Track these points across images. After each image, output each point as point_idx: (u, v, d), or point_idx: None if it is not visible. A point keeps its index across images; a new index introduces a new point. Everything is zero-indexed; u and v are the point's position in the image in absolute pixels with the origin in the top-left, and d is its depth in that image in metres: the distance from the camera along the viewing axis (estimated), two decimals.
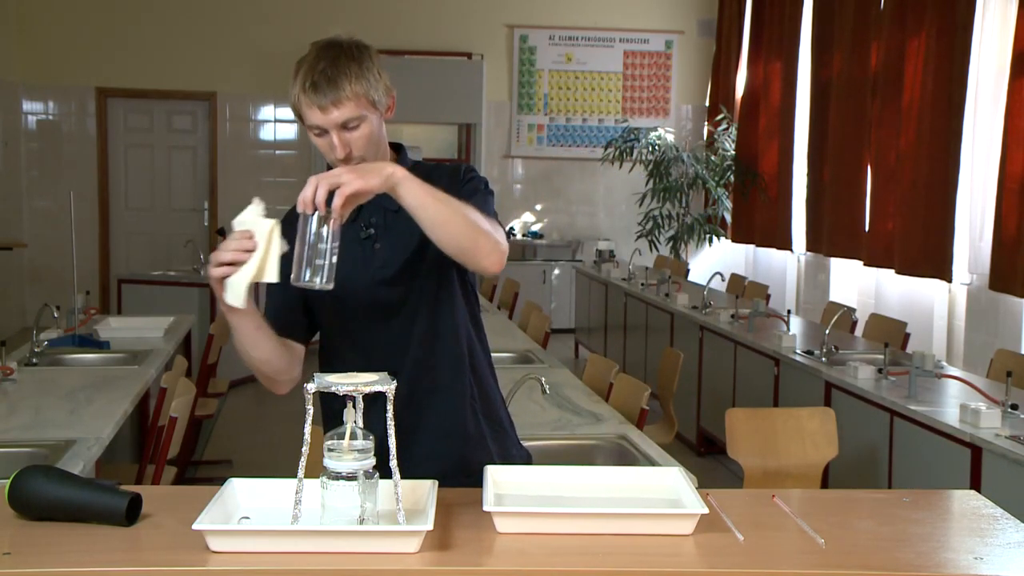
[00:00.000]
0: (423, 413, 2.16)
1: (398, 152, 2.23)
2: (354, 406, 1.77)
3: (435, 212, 1.92)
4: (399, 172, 1.89)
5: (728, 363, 5.66)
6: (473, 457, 2.17)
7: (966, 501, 2.10)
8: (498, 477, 2.00)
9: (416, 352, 2.16)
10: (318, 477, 1.76)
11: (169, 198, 10.27)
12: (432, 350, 2.17)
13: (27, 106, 9.91)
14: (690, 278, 8.72)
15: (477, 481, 1.96)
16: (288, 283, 2.00)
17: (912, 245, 6.70)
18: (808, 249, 8.49)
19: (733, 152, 9.63)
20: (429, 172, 2.16)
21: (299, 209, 1.87)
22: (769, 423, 3.35)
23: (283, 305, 2.21)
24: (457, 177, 2.18)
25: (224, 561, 1.66)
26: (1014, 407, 3.63)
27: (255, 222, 1.95)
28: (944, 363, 4.80)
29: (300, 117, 2.09)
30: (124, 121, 10.14)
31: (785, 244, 8.86)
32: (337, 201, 1.84)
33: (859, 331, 6.07)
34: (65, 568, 1.63)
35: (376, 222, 2.16)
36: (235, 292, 1.91)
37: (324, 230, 1.82)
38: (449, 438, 2.18)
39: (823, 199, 8.00)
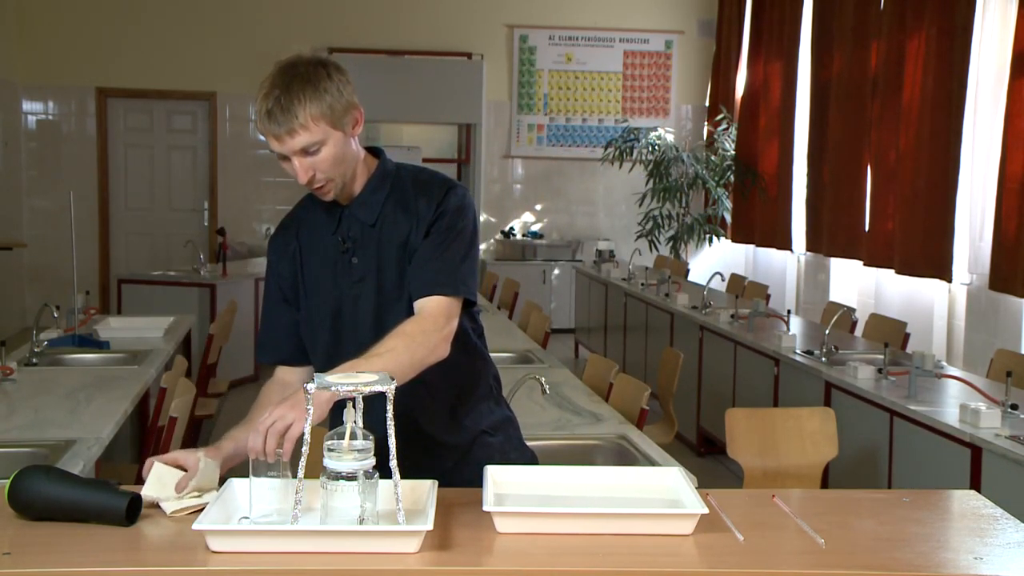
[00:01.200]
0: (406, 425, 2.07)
1: (378, 156, 2.19)
2: (354, 406, 1.77)
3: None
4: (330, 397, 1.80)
5: (728, 363, 5.66)
6: (456, 471, 2.13)
7: (966, 501, 2.10)
8: (498, 477, 2.00)
9: None
10: (318, 477, 1.76)
11: (169, 198, 10.27)
12: None
13: (27, 106, 9.91)
14: (690, 278, 8.72)
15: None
16: (283, 314, 2.11)
17: (912, 245, 6.70)
18: (808, 249, 8.49)
19: (733, 152, 9.63)
20: (408, 181, 2.16)
21: (251, 456, 1.81)
22: (769, 423, 3.35)
23: (282, 336, 2.22)
24: (433, 199, 2.13)
25: (224, 561, 1.66)
26: (1014, 407, 3.63)
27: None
28: (944, 363, 4.80)
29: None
30: (124, 121, 10.14)
31: (785, 244, 8.86)
32: (287, 447, 1.79)
33: (859, 331, 6.07)
34: (65, 568, 1.63)
35: (353, 236, 2.14)
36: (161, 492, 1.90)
37: (277, 463, 1.81)
38: (425, 453, 2.13)
39: (823, 199, 8.00)
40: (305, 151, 2.02)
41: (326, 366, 2.07)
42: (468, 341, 2.20)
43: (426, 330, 1.99)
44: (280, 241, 2.25)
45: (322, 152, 2.03)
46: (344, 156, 2.07)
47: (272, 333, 2.24)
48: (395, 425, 1.75)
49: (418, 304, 2.05)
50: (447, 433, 2.19)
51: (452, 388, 2.19)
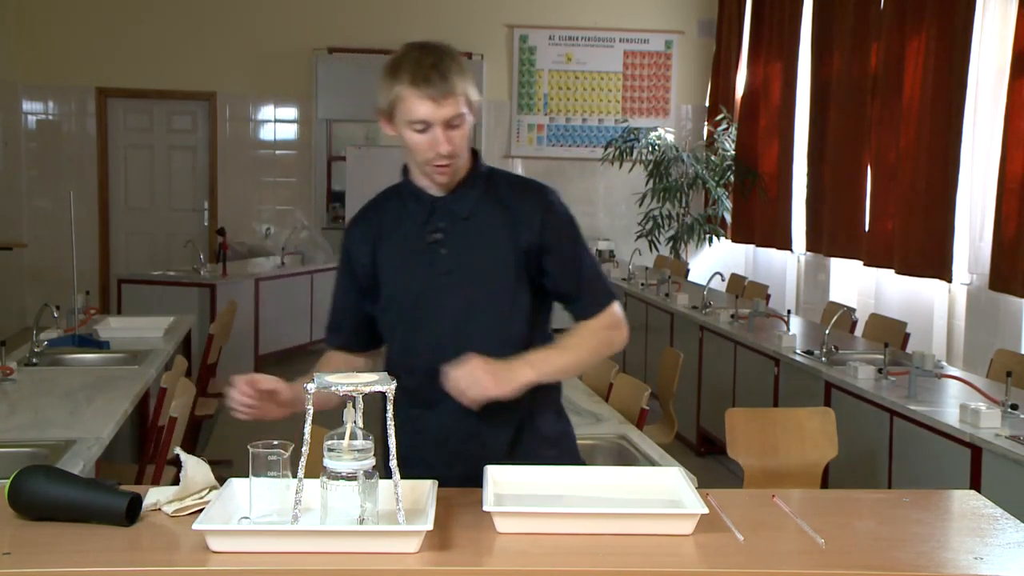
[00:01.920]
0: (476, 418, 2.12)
1: (475, 157, 2.22)
2: (354, 406, 1.77)
3: (574, 371, 2.16)
4: (530, 374, 2.00)
5: (728, 363, 5.66)
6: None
7: (966, 501, 2.10)
8: (498, 477, 2.00)
9: (480, 348, 2.09)
10: (318, 477, 1.76)
11: (169, 198, 10.26)
12: (491, 352, 2.09)
13: (27, 106, 9.91)
14: (690, 278, 8.71)
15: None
16: (350, 303, 2.18)
17: (912, 245, 6.70)
18: (808, 249, 8.48)
19: (733, 152, 9.62)
20: (502, 182, 2.19)
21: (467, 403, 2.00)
22: (769, 423, 3.35)
23: (350, 322, 2.26)
24: (537, 204, 2.17)
25: (224, 561, 1.66)
26: (1014, 407, 3.63)
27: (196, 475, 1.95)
28: (944, 363, 4.80)
29: (390, 115, 2.08)
30: (124, 121, 10.14)
31: (785, 244, 8.86)
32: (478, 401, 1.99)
33: (859, 331, 6.07)
34: (65, 568, 1.63)
35: (444, 227, 2.15)
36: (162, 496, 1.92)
37: (278, 463, 1.85)
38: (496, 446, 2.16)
39: (823, 199, 8.00)
40: (449, 122, 2.05)
41: (402, 354, 2.17)
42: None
43: (600, 335, 2.19)
44: (360, 229, 2.24)
45: (461, 128, 2.08)
46: (467, 141, 2.12)
47: (338, 319, 2.28)
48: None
49: (597, 321, 2.19)
50: (506, 441, 2.19)
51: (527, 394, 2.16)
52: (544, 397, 2.20)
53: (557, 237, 2.17)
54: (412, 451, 2.04)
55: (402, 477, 1.79)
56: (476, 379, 1.96)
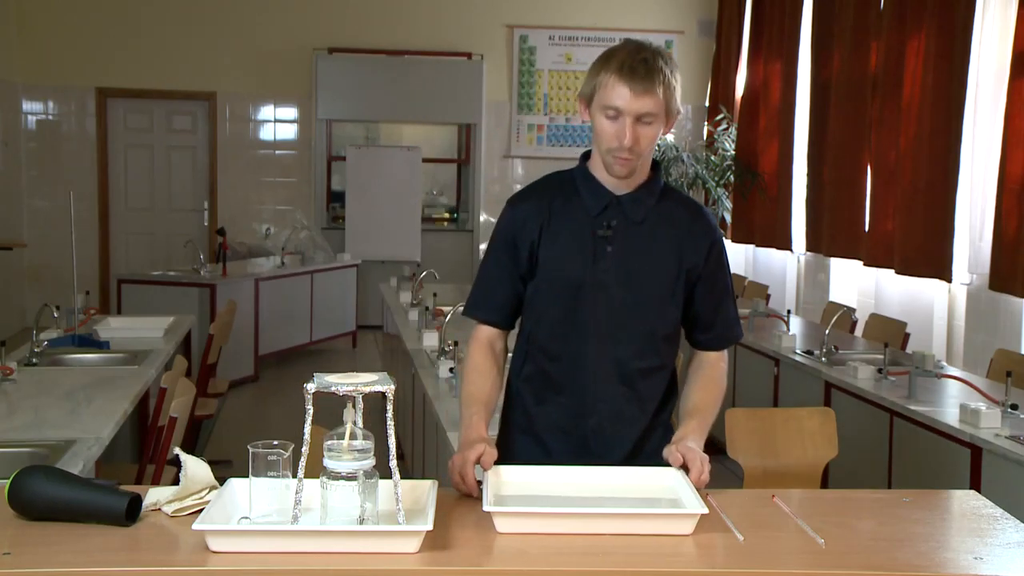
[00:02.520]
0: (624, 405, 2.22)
1: (655, 169, 2.26)
2: (354, 406, 1.77)
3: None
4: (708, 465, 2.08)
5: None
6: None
7: (966, 501, 2.10)
8: (498, 477, 2.00)
9: (620, 355, 2.19)
10: (318, 477, 1.76)
11: (169, 198, 10.26)
12: (632, 357, 2.20)
13: (27, 106, 9.91)
14: None
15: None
16: (505, 277, 2.23)
17: (912, 245, 6.69)
18: (808, 249, 8.48)
19: (733, 152, 9.62)
20: (676, 199, 2.26)
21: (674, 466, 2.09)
22: (769, 423, 3.35)
23: (503, 300, 2.28)
24: (710, 231, 2.25)
25: (224, 561, 1.66)
26: (1014, 407, 3.63)
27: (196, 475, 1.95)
28: (944, 363, 4.80)
29: (590, 99, 2.15)
30: (124, 121, 10.14)
31: (785, 244, 8.86)
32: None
33: (859, 331, 6.07)
34: (65, 568, 1.63)
35: (616, 225, 2.19)
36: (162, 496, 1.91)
37: (278, 463, 1.85)
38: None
39: (823, 199, 8.00)
40: (641, 118, 2.09)
41: (548, 338, 2.22)
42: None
43: (724, 376, 2.33)
44: (529, 207, 2.26)
45: (651, 127, 2.11)
46: (653, 146, 2.16)
47: (488, 292, 2.29)
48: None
49: (719, 353, 2.33)
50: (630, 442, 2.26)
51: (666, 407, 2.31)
52: (666, 414, 2.30)
53: (717, 268, 2.24)
54: (530, 431, 2.20)
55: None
56: (706, 469, 2.06)
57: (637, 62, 2.08)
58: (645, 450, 2.23)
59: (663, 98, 2.09)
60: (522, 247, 2.23)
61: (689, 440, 2.11)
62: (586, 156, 2.27)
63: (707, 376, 2.28)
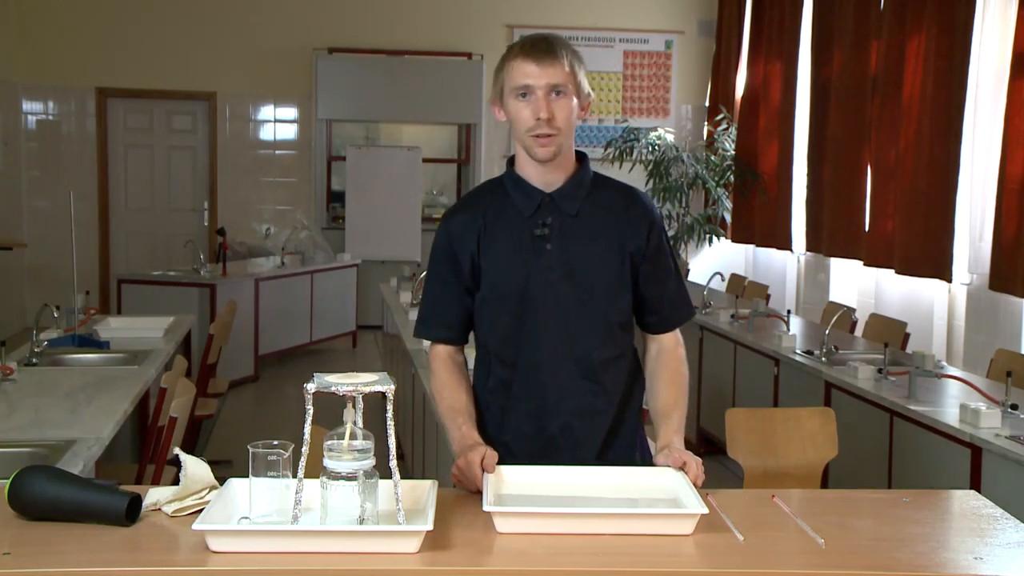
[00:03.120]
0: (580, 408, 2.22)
1: (580, 161, 2.26)
2: (354, 406, 1.77)
3: None
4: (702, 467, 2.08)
5: (728, 363, 5.66)
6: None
7: (966, 501, 2.10)
8: (498, 477, 2.00)
9: (577, 350, 2.19)
10: (318, 477, 1.76)
11: (169, 198, 10.26)
12: (591, 349, 2.20)
13: (27, 106, 9.91)
14: (690, 278, 8.71)
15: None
16: (452, 293, 2.23)
17: (912, 245, 6.70)
18: (808, 249, 8.48)
19: (733, 152, 9.62)
20: (613, 188, 2.25)
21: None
22: (769, 423, 3.35)
23: (453, 316, 2.28)
24: (648, 213, 2.25)
25: (224, 561, 1.66)
26: (1014, 407, 3.63)
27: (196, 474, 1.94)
28: (944, 363, 4.80)
29: (500, 94, 2.17)
30: (124, 121, 10.14)
31: (785, 244, 8.86)
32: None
33: (859, 331, 6.07)
34: (65, 568, 1.63)
35: (552, 223, 2.19)
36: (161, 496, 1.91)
37: (278, 463, 1.86)
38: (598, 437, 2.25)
39: (823, 199, 8.00)
40: (553, 88, 2.11)
41: (501, 346, 2.21)
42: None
43: (684, 362, 2.34)
44: (463, 218, 2.26)
45: (564, 98, 2.13)
46: (571, 123, 2.16)
47: (437, 310, 2.29)
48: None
49: (668, 336, 2.32)
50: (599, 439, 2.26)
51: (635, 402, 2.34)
52: (633, 404, 2.30)
53: (658, 248, 2.24)
54: (500, 440, 2.19)
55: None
56: (700, 472, 2.06)
57: (537, 40, 2.14)
58: (614, 446, 2.23)
59: (570, 71, 2.13)
60: (463, 260, 2.23)
61: (675, 444, 2.13)
62: (511, 162, 2.26)
63: (669, 369, 2.30)
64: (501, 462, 2.09)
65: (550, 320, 2.17)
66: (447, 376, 2.27)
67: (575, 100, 2.15)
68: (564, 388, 2.19)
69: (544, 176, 2.19)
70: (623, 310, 2.23)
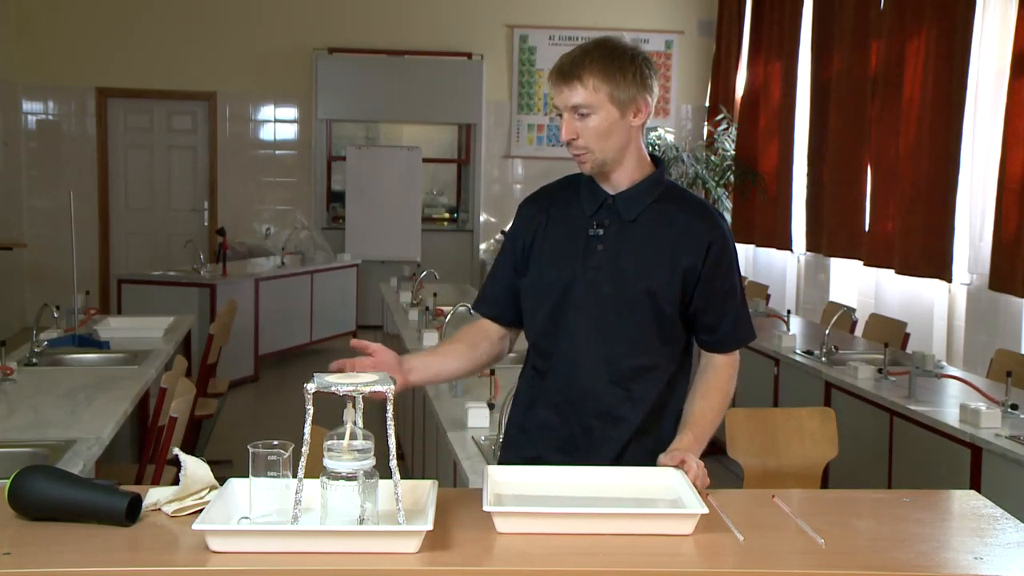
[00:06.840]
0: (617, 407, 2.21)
1: (657, 165, 2.25)
2: (354, 406, 1.77)
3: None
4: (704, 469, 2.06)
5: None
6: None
7: (966, 501, 2.10)
8: (498, 477, 2.00)
9: (609, 354, 2.18)
10: (318, 477, 1.76)
11: (169, 198, 10.26)
12: (623, 355, 2.19)
13: (27, 106, 9.91)
14: None
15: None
16: (506, 275, 2.27)
17: (912, 245, 6.70)
18: (808, 249, 8.48)
19: (733, 152, 9.62)
20: (679, 197, 2.23)
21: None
22: (769, 423, 3.35)
23: (501, 295, 2.32)
24: (711, 232, 2.19)
25: (224, 561, 1.66)
26: (1014, 407, 3.63)
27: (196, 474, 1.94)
28: (944, 363, 4.80)
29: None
30: (124, 121, 10.14)
31: (785, 244, 8.86)
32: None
33: (859, 331, 6.07)
34: (65, 568, 1.63)
35: (608, 225, 2.19)
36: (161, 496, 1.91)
37: (278, 463, 1.87)
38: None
39: (823, 199, 8.00)
40: (576, 110, 2.11)
41: (541, 338, 2.24)
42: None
43: (730, 382, 2.31)
44: (530, 210, 2.31)
45: (591, 120, 2.11)
46: (610, 134, 2.13)
47: (494, 290, 2.34)
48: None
49: (721, 356, 2.29)
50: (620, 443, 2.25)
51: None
52: (662, 411, 2.25)
53: (716, 269, 2.19)
54: (524, 427, 2.23)
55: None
56: (703, 475, 2.05)
57: (565, 59, 2.13)
58: (635, 454, 2.20)
59: (599, 88, 2.10)
60: (520, 246, 2.28)
61: (683, 448, 2.11)
62: None
63: (709, 383, 2.26)
64: (521, 451, 2.15)
65: (587, 320, 2.17)
66: (457, 336, 2.34)
67: (607, 113, 2.11)
68: (591, 389, 2.18)
69: (611, 178, 2.20)
70: (664, 323, 2.19)
